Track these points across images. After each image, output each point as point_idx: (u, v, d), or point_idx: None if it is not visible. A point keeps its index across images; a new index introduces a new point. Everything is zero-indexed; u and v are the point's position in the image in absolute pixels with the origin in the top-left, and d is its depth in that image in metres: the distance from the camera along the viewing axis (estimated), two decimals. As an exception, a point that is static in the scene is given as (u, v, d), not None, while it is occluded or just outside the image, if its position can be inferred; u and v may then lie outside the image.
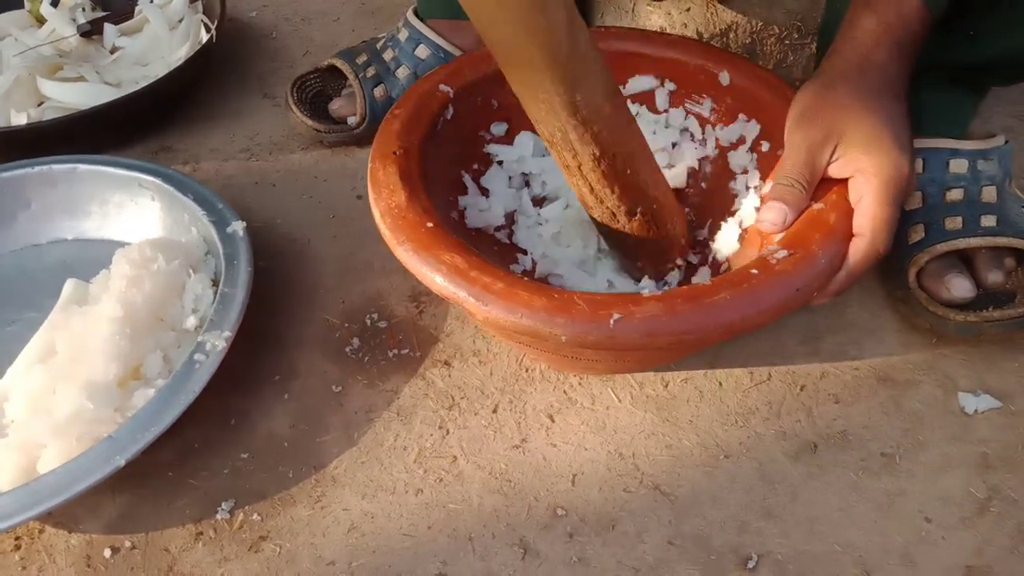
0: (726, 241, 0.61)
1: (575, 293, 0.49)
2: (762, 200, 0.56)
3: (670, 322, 0.47)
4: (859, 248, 0.51)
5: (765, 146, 0.62)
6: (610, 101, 0.50)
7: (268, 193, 0.81)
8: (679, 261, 0.62)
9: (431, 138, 0.62)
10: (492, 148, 0.68)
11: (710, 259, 0.63)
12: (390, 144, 0.59)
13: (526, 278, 0.51)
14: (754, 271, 0.49)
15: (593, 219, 0.59)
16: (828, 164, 0.54)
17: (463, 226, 0.65)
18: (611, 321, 0.47)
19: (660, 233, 0.58)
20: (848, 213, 0.52)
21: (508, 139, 0.69)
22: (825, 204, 0.53)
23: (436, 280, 0.51)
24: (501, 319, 0.49)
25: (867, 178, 0.52)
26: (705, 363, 0.62)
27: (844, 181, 0.54)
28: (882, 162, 0.52)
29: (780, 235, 0.53)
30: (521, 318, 0.48)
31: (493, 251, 0.65)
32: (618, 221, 0.56)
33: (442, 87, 0.64)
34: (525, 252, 0.65)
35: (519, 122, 0.67)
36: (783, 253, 0.50)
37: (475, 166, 0.68)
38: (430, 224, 0.53)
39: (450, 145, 0.65)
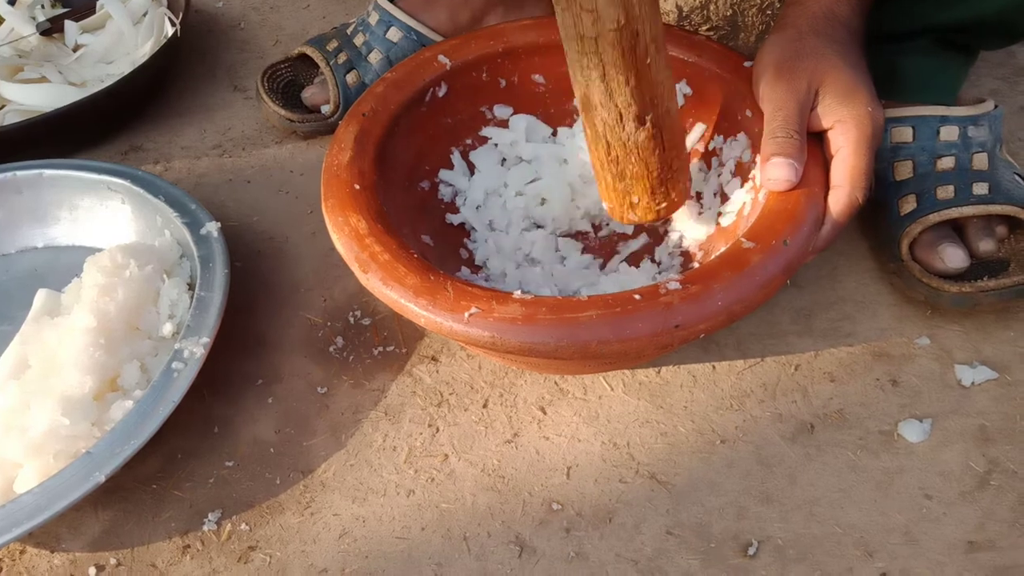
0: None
1: (452, 280, 0.47)
2: (761, 160, 0.52)
3: (522, 330, 0.45)
4: (840, 199, 0.51)
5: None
6: None
7: (243, 190, 0.78)
8: (676, 197, 0.54)
9: (416, 105, 0.61)
10: (488, 131, 0.67)
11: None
12: (364, 105, 0.59)
13: (418, 257, 0.49)
14: (637, 296, 0.46)
15: (591, 133, 0.50)
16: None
17: (432, 196, 0.64)
18: (466, 315, 0.46)
19: (666, 156, 0.51)
20: (779, 253, 0.48)
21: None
22: (757, 242, 0.48)
23: (336, 241, 0.51)
24: (376, 290, 0.48)
25: (846, 129, 0.52)
26: (698, 346, 0.61)
27: (778, 226, 0.50)
28: (861, 114, 0.52)
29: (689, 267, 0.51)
30: (390, 291, 0.48)
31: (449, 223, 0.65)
32: (624, 130, 0.48)
33: (441, 58, 0.63)
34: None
35: (522, 107, 0.66)
36: (675, 285, 0.46)
37: (468, 141, 0.66)
38: (358, 186, 0.53)
39: (443, 116, 0.64)
